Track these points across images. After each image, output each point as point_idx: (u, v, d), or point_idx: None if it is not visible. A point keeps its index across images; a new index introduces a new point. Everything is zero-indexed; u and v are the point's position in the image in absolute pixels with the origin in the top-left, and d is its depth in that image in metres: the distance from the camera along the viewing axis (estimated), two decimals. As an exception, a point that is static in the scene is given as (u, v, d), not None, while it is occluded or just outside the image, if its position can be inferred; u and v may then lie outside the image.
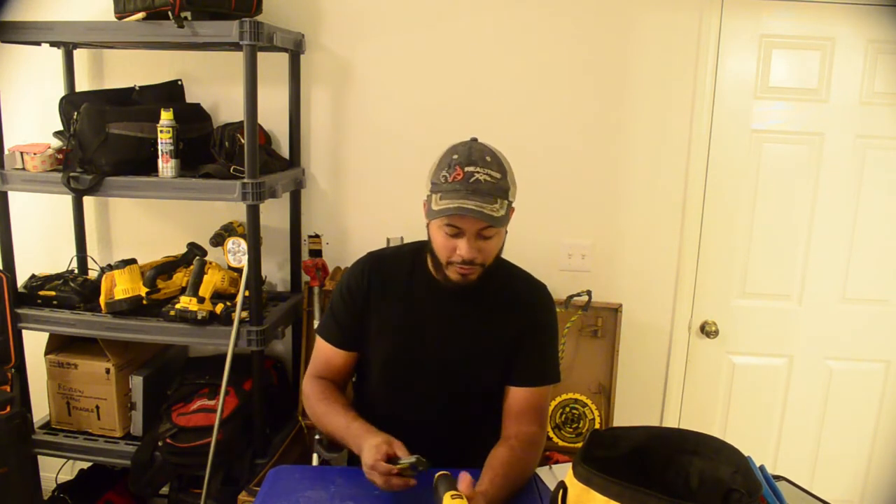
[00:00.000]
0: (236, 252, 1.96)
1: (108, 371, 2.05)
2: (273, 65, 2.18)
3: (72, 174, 1.90)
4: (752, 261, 2.26)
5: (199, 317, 1.94)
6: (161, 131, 1.90)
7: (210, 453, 1.91)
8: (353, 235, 2.33)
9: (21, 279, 2.08)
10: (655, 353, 2.33)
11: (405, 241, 1.82)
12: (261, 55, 1.90)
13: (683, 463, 1.11)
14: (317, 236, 2.33)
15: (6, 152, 2.00)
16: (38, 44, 2.12)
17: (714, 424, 2.37)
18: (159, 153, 1.92)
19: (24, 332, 2.05)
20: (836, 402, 2.32)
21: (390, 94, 2.24)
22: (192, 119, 2.10)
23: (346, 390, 1.53)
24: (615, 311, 2.19)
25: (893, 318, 2.27)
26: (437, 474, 1.19)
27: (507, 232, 1.41)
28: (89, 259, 2.34)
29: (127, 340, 2.04)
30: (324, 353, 1.50)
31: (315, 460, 1.71)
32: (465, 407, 1.47)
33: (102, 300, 1.99)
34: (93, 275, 2.26)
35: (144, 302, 2.00)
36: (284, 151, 2.28)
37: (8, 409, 1.92)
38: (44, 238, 2.37)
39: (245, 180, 1.87)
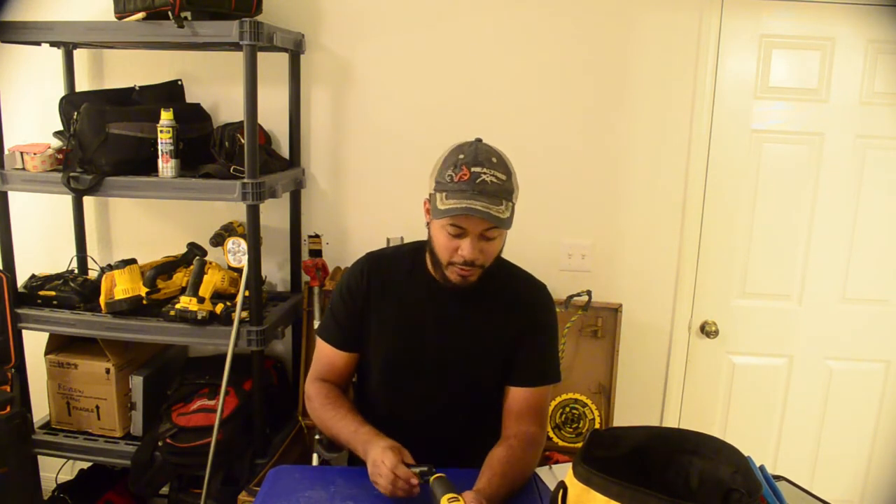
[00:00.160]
0: (236, 252, 1.96)
1: (108, 371, 2.05)
2: (273, 65, 2.18)
3: (72, 174, 1.89)
4: (752, 261, 2.26)
5: (199, 317, 1.94)
6: (161, 131, 1.90)
7: (210, 453, 1.91)
8: (353, 235, 2.33)
9: (21, 279, 2.08)
10: (655, 353, 2.33)
11: (405, 241, 1.82)
12: (261, 55, 1.90)
13: (683, 463, 1.11)
14: (317, 236, 2.33)
15: (6, 152, 2.00)
16: (38, 44, 2.12)
17: (714, 424, 2.37)
18: (159, 153, 1.92)
19: (24, 332, 2.05)
20: (836, 402, 2.32)
21: (390, 94, 2.24)
22: (192, 119, 2.10)
23: (348, 392, 1.53)
24: (615, 311, 2.19)
25: (893, 318, 2.27)
26: (432, 476, 1.19)
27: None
28: (89, 259, 2.34)
29: (127, 340, 2.04)
30: (325, 354, 1.50)
31: (315, 460, 1.72)
32: (464, 407, 1.47)
33: (102, 300, 1.99)
34: (93, 275, 2.26)
35: (144, 302, 2.00)
36: (284, 151, 2.28)
37: (8, 409, 1.92)
38: (44, 238, 2.37)
39: (245, 180, 1.87)
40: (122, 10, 1.90)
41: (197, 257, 2.06)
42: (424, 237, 1.46)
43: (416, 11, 2.19)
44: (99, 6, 2.04)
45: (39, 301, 2.05)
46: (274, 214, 2.27)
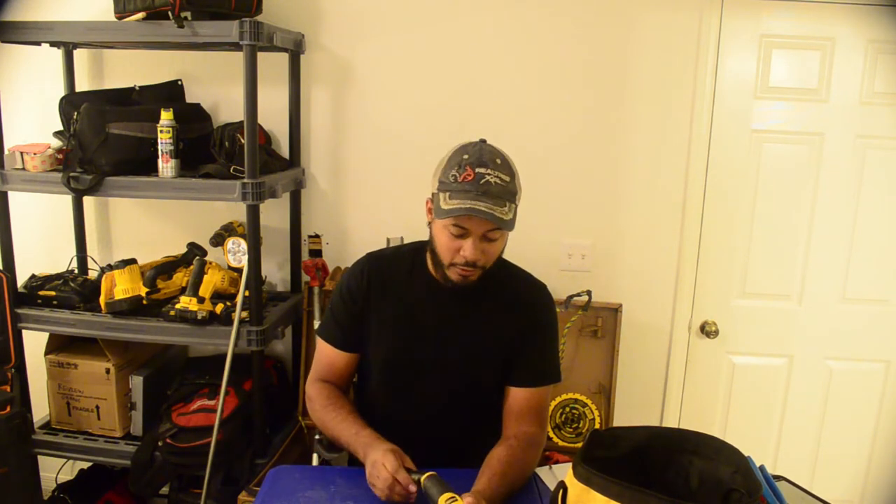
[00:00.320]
0: (236, 252, 1.96)
1: (108, 371, 2.05)
2: (273, 65, 2.18)
3: (72, 174, 1.89)
4: (752, 261, 2.26)
5: (199, 317, 1.94)
6: (161, 131, 1.90)
7: (210, 453, 1.91)
8: (353, 235, 2.33)
9: (21, 279, 2.08)
10: (655, 353, 2.33)
11: (405, 241, 1.81)
12: (261, 55, 1.90)
13: (683, 463, 1.11)
14: (317, 236, 2.33)
15: (6, 152, 2.00)
16: (38, 44, 2.12)
17: (714, 424, 2.37)
18: (159, 153, 1.92)
19: (24, 332, 2.05)
20: (836, 402, 2.32)
21: (390, 94, 2.24)
22: (192, 119, 2.10)
23: (349, 392, 1.53)
24: (615, 311, 2.19)
25: (893, 318, 2.27)
26: (424, 476, 1.18)
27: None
28: (89, 259, 2.34)
29: (127, 340, 2.04)
30: (326, 355, 1.50)
31: (315, 460, 1.72)
32: (464, 407, 1.47)
33: (102, 300, 1.99)
34: (93, 275, 2.26)
35: (144, 302, 2.00)
36: (284, 151, 2.28)
37: (8, 409, 1.92)
38: (44, 238, 2.37)
39: (245, 180, 1.87)
40: (122, 10, 1.90)
41: (197, 257, 2.06)
42: (425, 237, 1.46)
43: (416, 11, 2.19)
44: (99, 6, 2.04)
45: (39, 301, 2.05)
46: (274, 214, 2.27)
